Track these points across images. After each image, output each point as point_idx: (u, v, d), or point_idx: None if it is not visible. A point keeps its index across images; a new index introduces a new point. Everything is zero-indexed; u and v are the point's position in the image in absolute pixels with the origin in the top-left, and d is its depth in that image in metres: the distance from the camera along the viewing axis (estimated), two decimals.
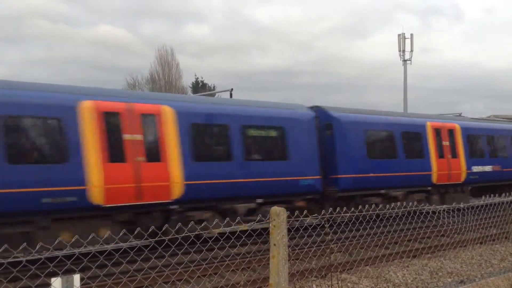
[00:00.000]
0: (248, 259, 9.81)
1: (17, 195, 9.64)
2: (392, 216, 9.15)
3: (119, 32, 65.13)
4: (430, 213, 13.46)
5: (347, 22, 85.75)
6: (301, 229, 8.46)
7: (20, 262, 5.16)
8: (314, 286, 8.48)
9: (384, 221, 11.05)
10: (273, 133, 13.83)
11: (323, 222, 12.37)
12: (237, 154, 12.93)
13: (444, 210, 13.37)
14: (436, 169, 18.06)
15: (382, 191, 16.30)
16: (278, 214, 4.55)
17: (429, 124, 18.31)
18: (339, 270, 8.71)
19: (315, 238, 10.85)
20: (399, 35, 39.01)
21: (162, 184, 11.50)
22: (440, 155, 18.34)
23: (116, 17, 68.92)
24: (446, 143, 18.68)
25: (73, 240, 4.54)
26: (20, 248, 4.61)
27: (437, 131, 18.49)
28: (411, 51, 38.74)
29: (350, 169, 15.45)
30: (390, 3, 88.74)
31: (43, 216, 10.00)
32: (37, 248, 5.23)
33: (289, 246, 4.74)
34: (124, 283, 7.11)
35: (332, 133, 15.32)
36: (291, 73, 74.57)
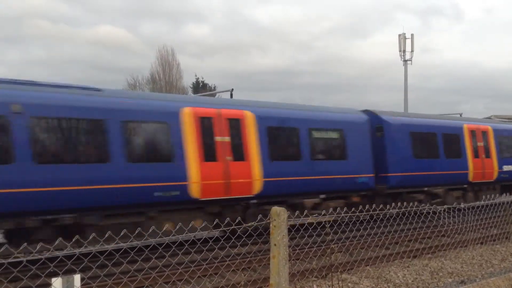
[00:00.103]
0: (248, 259, 9.82)
1: (135, 190, 11.09)
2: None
3: (119, 32, 65.25)
4: (431, 213, 13.45)
5: (347, 22, 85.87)
6: (302, 229, 8.46)
7: (21, 262, 5.16)
8: (314, 286, 8.48)
9: (385, 221, 11.05)
10: (334, 135, 15.38)
11: (371, 218, 12.63)
12: (305, 154, 14.40)
13: (444, 210, 13.38)
14: (472, 168, 19.36)
15: (425, 189, 17.63)
16: (279, 214, 4.54)
17: (465, 126, 19.62)
18: (339, 270, 8.70)
19: (316, 238, 10.86)
20: (399, 35, 39.07)
21: (246, 181, 13.03)
22: (475, 155, 19.67)
23: (116, 17, 69.04)
24: (480, 144, 20.03)
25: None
26: (21, 248, 4.62)
27: (473, 133, 19.80)
28: (412, 51, 38.80)
29: (398, 168, 16.77)
30: (390, 3, 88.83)
31: (153, 208, 11.48)
32: (37, 248, 5.24)
33: (289, 246, 4.73)
34: (125, 283, 7.12)
35: (382, 135, 16.73)
36: (291, 73, 74.68)
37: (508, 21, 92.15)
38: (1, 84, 10.09)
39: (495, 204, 9.95)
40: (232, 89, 20.48)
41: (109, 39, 63.86)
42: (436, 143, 18.20)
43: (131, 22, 68.47)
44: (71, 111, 10.52)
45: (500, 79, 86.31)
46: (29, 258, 8.08)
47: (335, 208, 13.97)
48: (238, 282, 8.08)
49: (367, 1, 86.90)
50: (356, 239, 10.91)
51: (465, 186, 19.30)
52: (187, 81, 51.69)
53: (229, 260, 8.16)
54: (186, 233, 5.72)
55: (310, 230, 9.53)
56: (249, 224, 5.04)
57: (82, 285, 4.08)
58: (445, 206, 11.53)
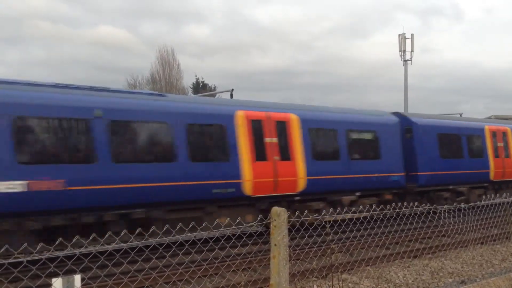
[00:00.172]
0: (249, 259, 9.81)
1: (196, 187, 11.99)
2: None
3: (119, 32, 65.26)
4: (431, 213, 13.45)
5: (347, 22, 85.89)
6: (302, 229, 8.46)
7: (21, 262, 5.16)
8: (315, 286, 8.48)
9: (385, 221, 11.05)
10: (369, 136, 16.35)
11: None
12: (343, 154, 15.36)
13: (445, 210, 13.38)
14: (493, 167, 20.34)
15: (451, 187, 18.64)
16: (279, 215, 4.54)
17: (487, 128, 20.55)
18: (340, 270, 8.69)
19: (316, 238, 10.85)
20: (399, 35, 39.04)
21: (292, 179, 13.99)
22: (496, 155, 20.62)
23: (116, 17, 69.04)
24: (500, 144, 21.00)
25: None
26: (21, 248, 4.63)
27: (493, 134, 20.73)
28: (412, 51, 38.79)
29: (427, 167, 17.75)
30: (390, 3, 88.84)
31: (211, 203, 12.39)
32: (37, 248, 5.26)
33: (290, 246, 4.73)
34: (125, 284, 7.12)
35: (411, 136, 17.66)
36: (291, 73, 74.70)
37: (508, 21, 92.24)
38: (84, 90, 11.19)
39: (495, 204, 9.95)
40: (232, 89, 20.48)
41: (109, 39, 63.93)
42: (461, 144, 19.26)
43: (131, 22, 68.55)
44: (143, 115, 11.48)
45: (500, 79, 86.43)
46: (30, 258, 8.07)
47: (371, 205, 15.03)
48: (238, 282, 8.07)
49: (367, 1, 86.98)
50: (357, 239, 10.90)
51: (486, 184, 20.20)
52: (187, 81, 51.84)
53: (230, 260, 8.16)
54: (186, 233, 5.73)
55: (310, 230, 9.53)
56: (249, 224, 5.04)
57: (82, 285, 4.08)
58: (445, 207, 11.52)
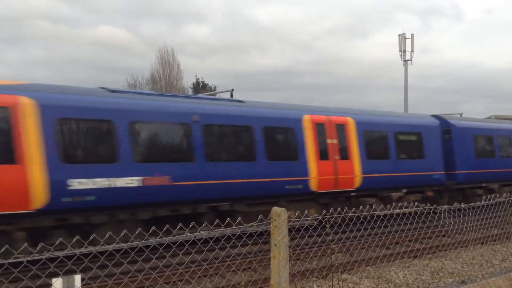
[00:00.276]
0: (249, 259, 9.81)
1: (272, 183, 13.46)
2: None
3: (119, 32, 65.25)
4: (431, 213, 13.44)
5: (347, 22, 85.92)
6: (302, 229, 8.46)
7: (21, 262, 5.16)
8: (315, 286, 8.48)
9: (385, 221, 11.04)
10: (414, 138, 17.81)
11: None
12: (392, 154, 16.82)
13: (445, 210, 13.40)
14: None
15: (483, 184, 20.07)
16: (279, 215, 4.54)
17: None
18: (340, 271, 8.70)
19: (316, 239, 10.85)
20: (399, 35, 39.03)
21: (349, 177, 15.41)
22: None
23: (116, 17, 69.02)
24: None
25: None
26: (22, 248, 4.63)
27: None
28: (412, 51, 38.78)
29: (464, 166, 19.26)
30: (390, 3, 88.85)
31: (283, 198, 13.68)
32: (38, 248, 5.26)
33: (290, 247, 4.73)
34: (125, 284, 7.12)
35: (450, 137, 19.12)
36: (291, 73, 74.70)
37: (508, 21, 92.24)
38: (182, 98, 13.29)
39: (496, 204, 9.94)
40: (232, 89, 20.44)
41: (109, 39, 63.94)
42: (493, 144, 20.93)
43: (131, 22, 68.53)
44: (230, 120, 13.00)
45: (500, 79, 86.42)
46: (30, 258, 8.07)
47: (414, 201, 15.72)
48: (238, 283, 8.07)
49: (367, 1, 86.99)
50: (357, 239, 10.90)
51: None
52: (187, 81, 51.81)
53: (230, 261, 8.16)
54: (186, 234, 5.73)
55: (310, 230, 9.53)
56: (250, 225, 5.04)
57: (82, 285, 4.08)
58: (445, 207, 11.52)
